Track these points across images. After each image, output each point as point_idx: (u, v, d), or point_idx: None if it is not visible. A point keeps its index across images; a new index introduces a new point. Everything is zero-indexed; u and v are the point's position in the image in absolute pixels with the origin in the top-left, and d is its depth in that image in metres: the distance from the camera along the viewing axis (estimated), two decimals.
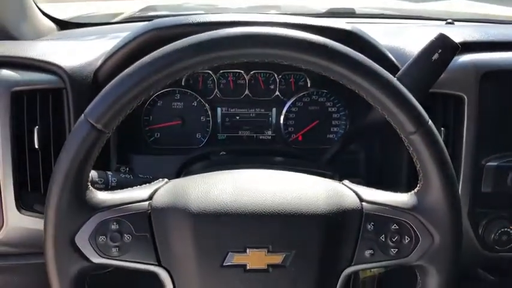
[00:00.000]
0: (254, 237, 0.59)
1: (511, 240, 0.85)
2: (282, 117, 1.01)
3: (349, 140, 0.89)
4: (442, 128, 0.85)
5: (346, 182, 0.66)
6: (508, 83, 0.85)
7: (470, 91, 0.82)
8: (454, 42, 0.74)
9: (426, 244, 0.61)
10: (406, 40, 0.91)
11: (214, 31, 0.57)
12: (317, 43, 0.57)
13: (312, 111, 1.01)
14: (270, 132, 1.02)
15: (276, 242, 0.59)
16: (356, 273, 0.85)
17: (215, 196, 0.60)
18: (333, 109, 1.01)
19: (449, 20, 1.23)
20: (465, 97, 0.83)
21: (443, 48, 0.73)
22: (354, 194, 0.63)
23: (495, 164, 0.85)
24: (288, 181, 0.64)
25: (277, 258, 0.59)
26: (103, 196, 0.60)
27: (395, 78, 0.59)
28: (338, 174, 0.82)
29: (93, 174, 0.72)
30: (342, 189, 0.64)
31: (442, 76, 0.83)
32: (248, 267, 0.59)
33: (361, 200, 0.62)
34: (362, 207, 0.61)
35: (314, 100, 1.01)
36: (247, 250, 0.59)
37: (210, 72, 0.98)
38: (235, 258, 0.59)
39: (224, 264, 0.59)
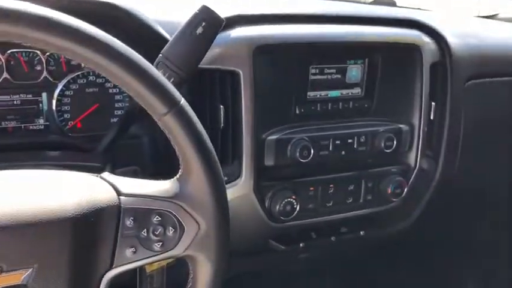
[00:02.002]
0: None
1: (295, 209, 0.88)
2: (54, 103, 0.88)
3: (126, 123, 0.82)
4: (221, 106, 0.83)
5: (105, 174, 0.58)
6: (280, 56, 0.86)
7: (245, 66, 0.81)
8: (217, 15, 0.71)
9: (192, 233, 0.57)
10: (185, 15, 0.86)
11: None
12: (39, 15, 0.47)
13: (90, 93, 0.90)
14: (41, 121, 0.89)
15: (12, 259, 0.49)
16: (141, 268, 0.79)
17: None
18: (114, 90, 0.92)
19: None
20: (240, 72, 0.81)
21: (207, 22, 0.70)
22: (111, 188, 0.56)
23: (275, 137, 0.87)
24: (29, 183, 0.54)
25: (16, 278, 0.49)
26: None
27: (140, 56, 0.52)
28: (110, 165, 0.74)
29: None
30: (98, 184, 0.56)
31: (216, 51, 0.80)
32: None
33: (119, 193, 0.55)
34: (120, 202, 0.55)
35: (91, 81, 0.90)
36: None
37: None
38: None
39: None
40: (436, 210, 1.13)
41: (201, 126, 0.56)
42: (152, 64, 0.70)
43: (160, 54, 0.70)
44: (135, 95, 0.52)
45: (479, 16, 1.54)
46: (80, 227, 0.52)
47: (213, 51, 0.80)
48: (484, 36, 1.21)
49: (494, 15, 1.50)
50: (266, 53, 0.83)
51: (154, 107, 0.53)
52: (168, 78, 0.69)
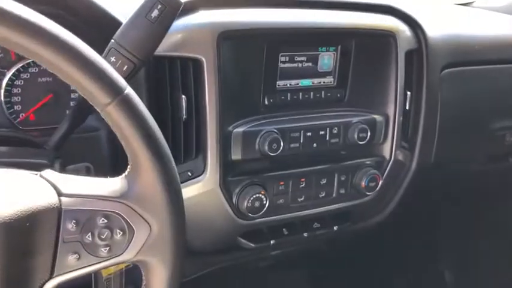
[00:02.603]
0: None
1: (264, 205, 0.83)
2: (2, 93, 0.81)
3: (80, 115, 0.75)
4: (183, 96, 0.77)
5: (45, 172, 0.52)
6: (247, 43, 0.81)
7: (208, 53, 0.75)
8: None
9: (143, 235, 0.52)
10: None
11: None
12: None
13: (43, 83, 0.83)
14: None
15: None
16: (97, 272, 0.74)
17: None
18: None
19: None
20: (203, 60, 0.75)
21: (163, 4, 0.63)
22: (51, 187, 0.50)
23: (242, 129, 0.81)
24: None
25: None
26: None
27: (78, 39, 0.46)
28: (60, 161, 0.68)
29: None
30: (36, 184, 0.50)
31: (177, 37, 0.75)
32: None
33: (60, 194, 0.50)
34: (60, 204, 0.49)
35: (44, 70, 0.83)
36: None
37: None
38: None
39: None
40: (412, 202, 1.10)
41: (150, 117, 0.50)
42: (104, 50, 0.65)
43: (112, 40, 0.64)
44: (73, 83, 0.47)
45: (456, 4, 1.50)
46: (13, 232, 0.46)
47: (174, 36, 0.75)
48: (461, 24, 1.17)
49: (471, 2, 1.47)
50: (231, 39, 0.78)
51: (95, 96, 0.47)
52: (121, 65, 0.63)
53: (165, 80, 0.77)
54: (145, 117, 0.49)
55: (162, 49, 0.74)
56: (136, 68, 0.64)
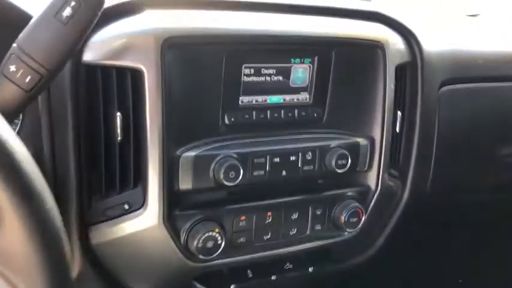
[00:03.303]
0: None
1: (219, 246, 0.69)
2: None
3: None
4: (119, 113, 0.64)
5: None
6: (201, 52, 0.68)
7: (150, 62, 0.63)
8: None
9: None
10: None
11: None
12: None
13: None
14: None
15: None
16: None
17: None
18: None
19: None
20: (144, 70, 0.63)
21: (77, 1, 0.51)
22: None
23: (193, 154, 0.68)
24: None
25: None
26: None
27: None
28: None
29: None
30: None
31: (112, 43, 0.63)
32: None
33: None
34: None
35: None
36: None
37: None
38: None
39: None
40: (403, 238, 0.96)
41: (13, 138, 0.37)
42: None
43: (14, 44, 0.51)
44: None
45: (468, 15, 1.36)
46: None
47: (109, 42, 0.63)
48: (465, 36, 1.04)
49: (476, 14, 1.33)
50: (179, 47, 0.65)
51: None
52: (23, 76, 0.50)
53: (97, 93, 0.64)
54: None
55: (94, 57, 0.63)
56: (43, 80, 0.51)
